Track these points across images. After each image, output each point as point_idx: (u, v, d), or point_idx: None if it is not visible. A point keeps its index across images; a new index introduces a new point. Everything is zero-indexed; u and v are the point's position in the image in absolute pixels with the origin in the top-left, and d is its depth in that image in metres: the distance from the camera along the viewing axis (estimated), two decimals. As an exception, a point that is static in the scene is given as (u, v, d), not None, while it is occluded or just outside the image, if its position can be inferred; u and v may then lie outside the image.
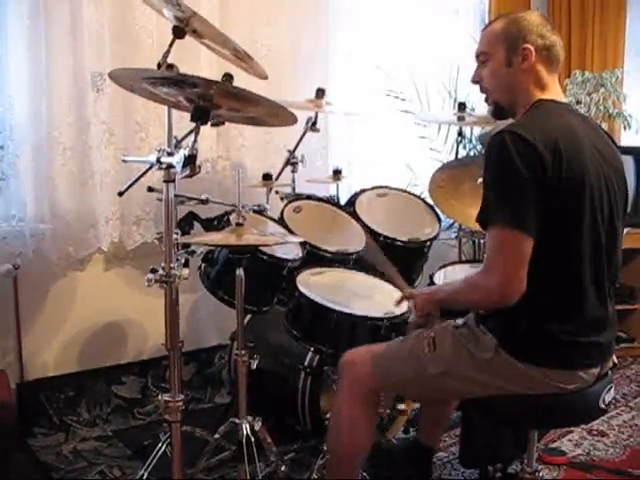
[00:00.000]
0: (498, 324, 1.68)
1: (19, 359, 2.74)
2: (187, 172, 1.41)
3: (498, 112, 1.83)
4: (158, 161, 1.55)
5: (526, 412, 1.70)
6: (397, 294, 2.28)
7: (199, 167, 1.41)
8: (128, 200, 2.84)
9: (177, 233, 1.72)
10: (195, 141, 1.41)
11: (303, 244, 2.29)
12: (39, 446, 2.62)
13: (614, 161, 1.73)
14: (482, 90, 1.83)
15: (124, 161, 1.81)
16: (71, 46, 2.66)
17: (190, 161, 1.39)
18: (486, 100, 1.84)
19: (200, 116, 1.43)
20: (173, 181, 1.60)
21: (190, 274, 1.86)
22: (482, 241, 3.19)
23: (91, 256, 2.89)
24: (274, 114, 1.63)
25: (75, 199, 2.75)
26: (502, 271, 1.55)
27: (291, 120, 1.65)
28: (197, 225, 2.32)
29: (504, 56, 1.73)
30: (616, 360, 1.81)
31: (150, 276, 1.62)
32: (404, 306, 2.17)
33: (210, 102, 1.42)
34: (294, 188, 2.80)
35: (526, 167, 1.53)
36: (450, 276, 2.48)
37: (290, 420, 2.45)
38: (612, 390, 1.74)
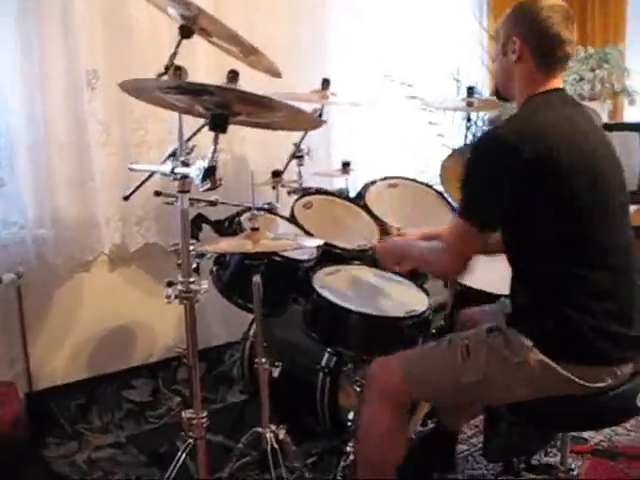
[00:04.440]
0: (528, 324, 1.65)
1: (27, 369, 2.68)
2: (208, 185, 1.32)
3: (497, 93, 1.86)
4: (172, 172, 1.47)
5: (562, 414, 1.66)
6: (415, 290, 2.25)
7: (220, 179, 1.32)
8: (128, 200, 2.75)
9: (193, 243, 1.65)
10: (215, 151, 1.32)
11: (318, 243, 2.22)
12: (52, 457, 2.56)
13: (608, 149, 1.71)
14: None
15: (131, 169, 1.71)
16: (63, 43, 2.57)
17: (210, 173, 1.31)
18: None
19: (218, 124, 1.34)
20: (188, 192, 1.52)
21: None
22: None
23: (95, 259, 2.82)
24: (294, 119, 1.54)
25: (75, 201, 2.68)
26: (456, 255, 1.69)
27: (313, 124, 1.57)
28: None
29: (501, 44, 1.73)
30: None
31: (169, 291, 1.55)
32: (425, 303, 2.12)
33: (229, 109, 1.34)
34: (301, 183, 2.72)
35: (502, 166, 1.57)
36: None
37: (309, 420, 2.40)
38: (650, 387, 1.70)
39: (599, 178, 1.62)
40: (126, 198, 2.14)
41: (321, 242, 1.95)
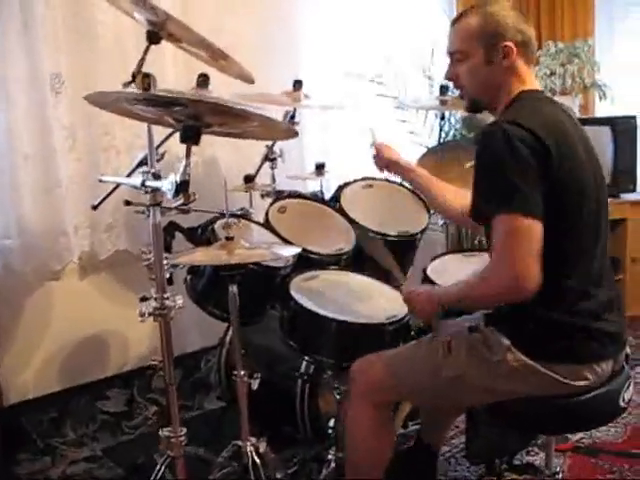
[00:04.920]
0: (507, 323, 1.63)
1: (-4, 383, 2.59)
2: (180, 201, 1.27)
3: (474, 107, 1.80)
4: (143, 185, 1.41)
5: (546, 417, 1.64)
6: (394, 294, 2.21)
7: (194, 194, 1.27)
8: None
9: (167, 257, 1.59)
10: (187, 165, 1.27)
11: (294, 248, 2.17)
12: (25, 474, 2.49)
13: (591, 147, 1.71)
14: (457, 87, 1.80)
15: (101, 181, 1.65)
16: (24, 46, 2.47)
17: (183, 188, 1.25)
18: (461, 96, 1.81)
19: (190, 136, 1.28)
20: (159, 204, 1.47)
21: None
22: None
23: (65, 268, 2.73)
24: (269, 128, 1.49)
25: (41, 209, 2.59)
26: (516, 262, 1.48)
27: (288, 134, 1.52)
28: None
29: (483, 54, 1.68)
30: (629, 351, 1.76)
31: (143, 309, 1.49)
32: (404, 307, 2.09)
33: (200, 121, 1.28)
34: (274, 187, 2.67)
35: (531, 153, 1.49)
36: (443, 268, 2.39)
37: (289, 428, 2.37)
38: (632, 387, 1.69)
39: (584, 182, 1.60)
40: (95, 207, 2.08)
41: (298, 250, 1.90)
